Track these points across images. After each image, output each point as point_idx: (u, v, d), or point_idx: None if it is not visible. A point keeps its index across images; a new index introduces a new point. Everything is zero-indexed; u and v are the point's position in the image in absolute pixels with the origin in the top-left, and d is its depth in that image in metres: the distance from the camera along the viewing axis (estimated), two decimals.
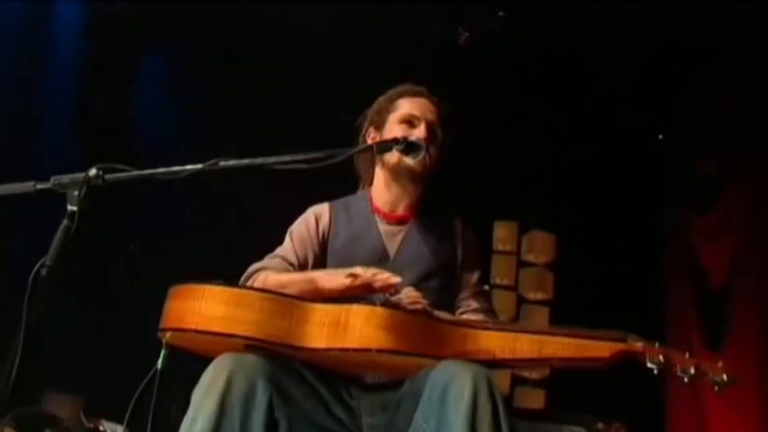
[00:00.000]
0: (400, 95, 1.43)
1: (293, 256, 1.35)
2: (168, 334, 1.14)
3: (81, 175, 1.00)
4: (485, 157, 3.08)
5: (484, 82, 3.06)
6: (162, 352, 1.14)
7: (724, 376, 1.13)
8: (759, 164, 3.13)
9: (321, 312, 1.12)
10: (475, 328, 1.19)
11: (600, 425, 2.20)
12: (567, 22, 2.87)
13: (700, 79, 3.06)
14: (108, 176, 1.02)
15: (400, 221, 1.39)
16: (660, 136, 3.39)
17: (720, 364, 1.15)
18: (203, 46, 3.06)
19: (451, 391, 1.03)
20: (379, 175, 1.41)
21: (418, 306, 1.19)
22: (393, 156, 1.34)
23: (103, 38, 2.97)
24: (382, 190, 1.40)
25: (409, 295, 1.22)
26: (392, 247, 1.35)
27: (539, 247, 3.39)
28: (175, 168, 1.07)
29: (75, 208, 0.97)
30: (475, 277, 1.39)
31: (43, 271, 0.94)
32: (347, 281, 1.17)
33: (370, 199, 1.41)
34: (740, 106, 3.09)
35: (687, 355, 1.16)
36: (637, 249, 3.14)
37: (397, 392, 1.16)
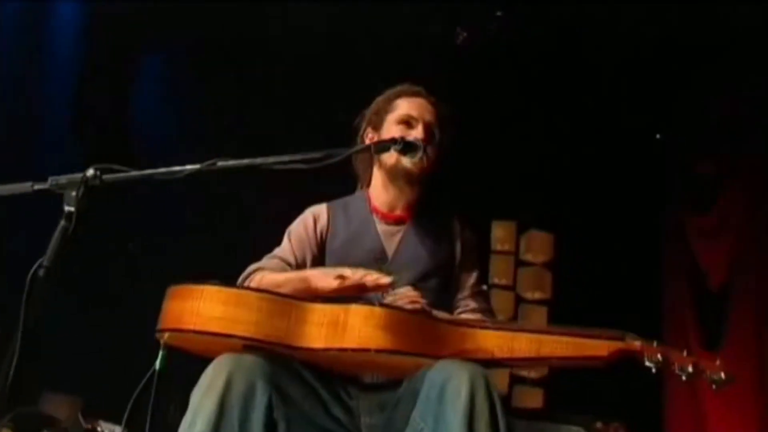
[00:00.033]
0: (398, 95, 1.42)
1: (291, 257, 1.36)
2: (166, 335, 1.14)
3: (78, 176, 1.00)
4: (483, 157, 3.08)
5: (483, 82, 3.06)
6: (160, 353, 1.14)
7: (722, 375, 1.13)
8: (758, 164, 3.13)
9: (319, 312, 1.12)
10: (474, 327, 1.19)
11: (598, 424, 2.21)
12: (565, 22, 2.87)
13: (699, 79, 3.06)
14: (106, 177, 1.02)
15: (398, 221, 1.39)
16: (658, 136, 3.40)
17: (718, 362, 1.16)
18: (202, 46, 3.06)
19: (448, 390, 1.03)
20: (377, 176, 1.41)
21: (417, 306, 1.19)
22: (391, 157, 1.34)
23: (102, 38, 2.97)
24: (380, 191, 1.40)
25: (407, 294, 1.22)
26: (390, 248, 1.35)
27: (537, 246, 3.40)
28: (174, 168, 1.07)
29: (72, 209, 0.97)
30: (473, 277, 1.39)
31: (41, 272, 0.94)
32: (335, 283, 1.16)
33: (369, 200, 1.42)
34: (739, 106, 3.10)
35: (685, 353, 1.17)
36: (636, 249, 3.15)
37: (396, 392, 1.16)
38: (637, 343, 1.16)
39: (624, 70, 3.02)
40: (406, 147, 1.27)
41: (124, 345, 2.19)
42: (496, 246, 3.40)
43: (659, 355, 1.14)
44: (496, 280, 3.35)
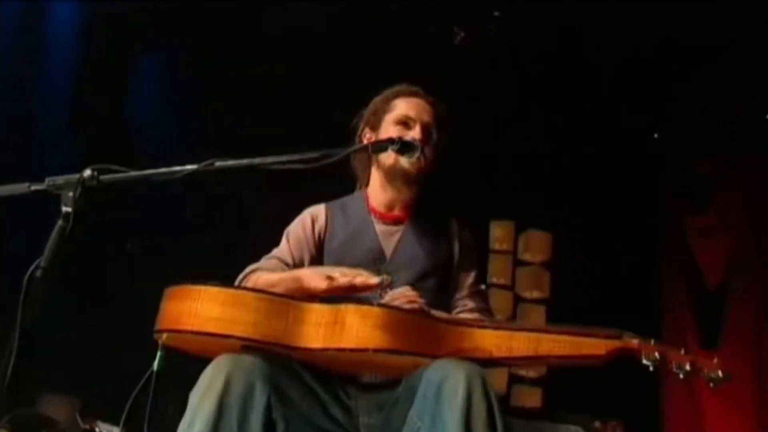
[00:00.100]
0: (396, 95, 1.42)
1: (289, 257, 1.36)
2: (164, 336, 1.14)
3: (76, 176, 1.00)
4: (482, 156, 3.09)
5: (481, 82, 3.07)
6: (158, 354, 1.14)
7: (719, 373, 1.14)
8: (756, 164, 3.15)
9: (317, 312, 1.12)
10: (472, 326, 1.19)
11: (597, 423, 2.21)
12: (562, 21, 2.88)
13: (697, 78, 3.07)
14: (103, 177, 1.01)
15: (396, 221, 1.39)
16: (656, 135, 3.40)
17: (715, 360, 1.16)
18: (201, 46, 3.05)
19: (445, 389, 1.03)
20: (375, 176, 1.41)
21: (415, 305, 1.19)
22: (389, 157, 1.34)
23: (100, 38, 2.96)
24: (378, 191, 1.40)
25: (405, 294, 1.22)
26: (389, 248, 1.35)
27: (536, 246, 3.41)
28: (171, 169, 1.07)
29: (69, 209, 0.97)
30: (471, 276, 1.39)
31: (38, 273, 0.94)
32: (324, 284, 1.16)
33: (367, 200, 1.42)
34: (737, 105, 3.10)
35: (682, 351, 1.17)
36: (634, 248, 3.15)
37: (394, 392, 1.16)
38: (634, 342, 1.16)
39: (622, 69, 3.02)
40: (403, 147, 1.27)
41: (123, 346, 2.19)
42: (495, 245, 3.40)
43: (657, 354, 1.14)
44: (494, 280, 3.35)
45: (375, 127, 1.41)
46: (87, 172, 1.00)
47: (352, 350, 1.09)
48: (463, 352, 1.12)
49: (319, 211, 1.41)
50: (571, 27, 2.89)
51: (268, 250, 1.39)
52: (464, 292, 1.38)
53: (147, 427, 1.13)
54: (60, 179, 1.01)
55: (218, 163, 1.08)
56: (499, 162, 3.21)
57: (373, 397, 1.19)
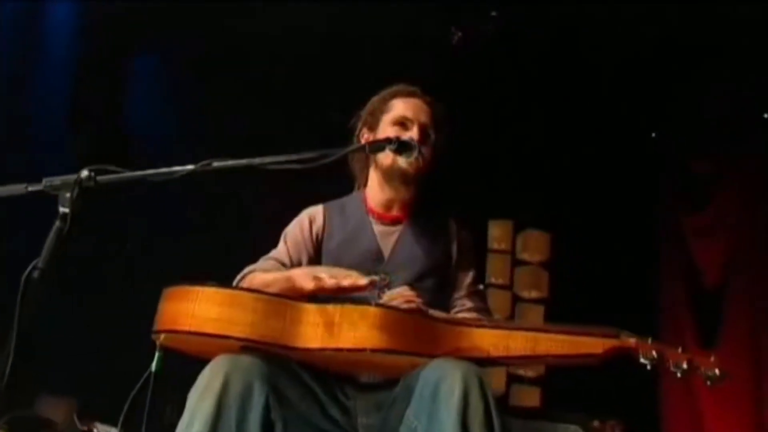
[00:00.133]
0: (394, 96, 1.42)
1: (286, 258, 1.36)
2: (162, 336, 1.14)
3: (73, 177, 1.00)
4: (480, 156, 3.09)
5: (478, 82, 3.07)
6: (156, 354, 1.14)
7: (716, 371, 1.14)
8: (754, 164, 3.16)
9: (315, 312, 1.12)
10: (469, 326, 1.19)
11: (595, 423, 2.22)
12: (560, 21, 2.88)
13: (695, 78, 3.08)
14: (100, 178, 1.01)
15: (394, 222, 1.39)
16: (653, 134, 3.41)
17: (712, 358, 1.16)
18: (198, 46, 3.05)
19: (442, 388, 1.03)
20: (373, 177, 1.41)
21: (412, 305, 1.20)
22: (386, 157, 1.34)
23: (97, 38, 2.96)
24: (376, 191, 1.40)
25: (403, 294, 1.22)
26: (387, 248, 1.35)
27: (534, 245, 3.41)
28: (168, 169, 1.07)
29: (67, 210, 0.97)
30: (469, 276, 1.39)
31: (35, 274, 0.94)
32: (311, 285, 1.16)
33: (365, 200, 1.42)
34: (736, 105, 3.11)
35: (679, 350, 1.17)
36: (632, 247, 3.16)
37: (392, 392, 1.16)
38: (631, 341, 1.16)
39: (620, 69, 3.03)
40: (401, 146, 1.27)
41: (121, 346, 2.18)
42: (493, 245, 3.40)
43: (654, 352, 1.14)
44: (493, 280, 3.36)
45: (373, 127, 1.41)
46: (84, 173, 1.00)
47: (349, 350, 1.09)
48: (461, 351, 1.13)
49: (316, 211, 1.41)
50: (568, 26, 2.89)
51: (266, 251, 1.39)
52: (462, 291, 1.38)
53: (145, 427, 1.13)
54: (57, 180, 1.00)
55: (216, 164, 1.08)
56: (497, 162, 3.22)
57: (371, 397, 1.19)
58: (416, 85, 1.45)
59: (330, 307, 1.12)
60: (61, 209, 0.98)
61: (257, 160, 1.10)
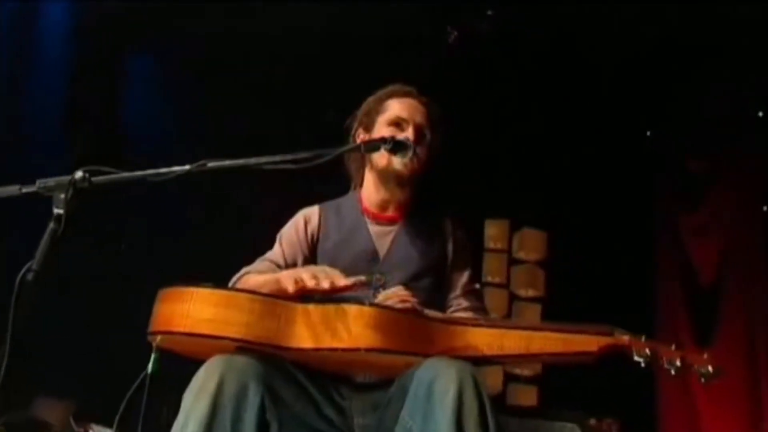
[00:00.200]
0: (389, 96, 1.42)
1: (281, 259, 1.36)
2: (158, 338, 1.14)
3: (67, 178, 1.00)
4: (476, 156, 3.09)
5: (475, 81, 3.07)
6: (152, 356, 1.14)
7: (710, 368, 1.15)
8: (749, 162, 3.17)
9: (309, 312, 1.12)
10: (464, 325, 1.19)
11: (592, 421, 2.22)
12: (556, 20, 2.88)
13: (691, 78, 3.09)
14: (95, 179, 1.01)
15: (390, 222, 1.39)
16: (648, 133, 3.42)
17: (705, 356, 1.17)
18: (194, 46, 3.04)
19: (436, 388, 1.03)
20: (369, 177, 1.42)
21: (407, 305, 1.20)
22: (382, 158, 1.34)
23: (92, 38, 2.95)
24: (371, 192, 1.41)
25: (397, 294, 1.22)
26: (382, 248, 1.35)
27: (530, 244, 3.41)
28: (163, 170, 1.07)
29: (61, 212, 0.97)
30: (465, 276, 1.40)
31: (29, 276, 0.94)
32: (291, 288, 1.16)
33: (360, 201, 1.42)
34: (731, 104, 3.12)
35: (673, 347, 1.18)
36: (628, 246, 3.17)
37: (387, 392, 1.16)
38: (625, 338, 1.17)
39: (616, 69, 3.03)
40: (396, 146, 1.27)
41: (117, 348, 2.18)
42: (490, 244, 3.41)
43: (647, 350, 1.15)
44: (489, 279, 3.36)
45: (368, 127, 1.41)
46: (78, 174, 1.00)
47: (344, 350, 1.09)
48: (455, 350, 1.13)
49: (312, 212, 1.41)
50: (564, 25, 2.90)
51: (264, 252, 1.40)
52: (458, 291, 1.38)
53: (141, 429, 1.13)
54: (51, 181, 1.00)
55: (211, 164, 1.08)
56: (493, 161, 3.22)
57: (366, 398, 1.19)
58: (412, 85, 1.45)
59: (324, 307, 1.12)
60: (56, 210, 0.98)
61: (252, 161, 1.10)
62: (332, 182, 1.47)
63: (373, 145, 1.29)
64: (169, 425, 1.10)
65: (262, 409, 1.08)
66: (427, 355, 1.10)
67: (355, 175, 1.45)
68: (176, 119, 3.10)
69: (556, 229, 3.37)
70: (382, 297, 1.22)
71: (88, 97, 2.93)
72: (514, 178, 3.24)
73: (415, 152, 1.30)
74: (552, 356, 1.18)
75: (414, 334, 1.13)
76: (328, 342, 1.09)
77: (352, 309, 1.11)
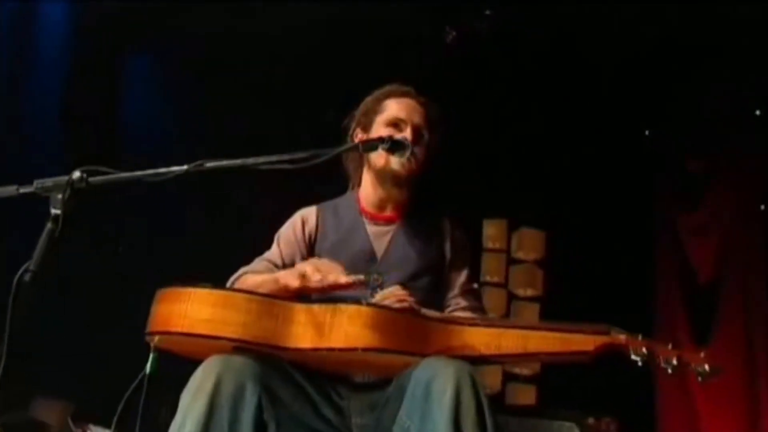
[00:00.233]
0: (387, 96, 1.42)
1: (279, 259, 1.36)
2: (156, 338, 1.14)
3: (64, 178, 1.00)
4: (475, 155, 3.09)
5: (473, 81, 3.07)
6: (150, 356, 1.14)
7: (706, 367, 1.15)
8: (747, 162, 3.17)
9: (307, 312, 1.12)
10: (461, 324, 1.20)
11: (590, 420, 2.23)
12: (554, 20, 2.88)
13: (689, 77, 3.09)
14: (92, 179, 1.01)
15: (387, 222, 1.39)
16: (647, 133, 3.42)
17: (702, 354, 1.17)
18: (193, 46, 3.04)
19: (434, 388, 1.04)
20: (367, 177, 1.42)
21: (404, 304, 1.20)
22: (380, 158, 1.34)
23: (91, 38, 2.95)
24: (369, 192, 1.41)
25: (395, 293, 1.22)
26: (380, 248, 1.36)
27: (529, 244, 3.41)
28: (161, 170, 1.07)
29: (58, 212, 0.97)
30: (463, 275, 1.40)
31: (27, 276, 0.94)
32: (296, 283, 1.17)
33: (358, 201, 1.42)
34: (729, 104, 3.13)
35: (670, 346, 1.18)
36: (627, 246, 3.17)
37: (385, 391, 1.16)
38: (622, 337, 1.17)
39: (614, 68, 3.04)
40: (393, 146, 1.27)
41: (116, 349, 2.18)
42: (488, 244, 3.41)
43: (644, 349, 1.15)
44: (488, 278, 3.36)
45: (366, 127, 1.41)
46: (76, 174, 1.00)
47: (341, 350, 1.09)
48: (453, 350, 1.13)
49: (310, 212, 1.41)
50: (563, 25, 2.90)
51: (262, 252, 1.40)
52: (456, 291, 1.38)
53: (139, 429, 1.13)
54: (49, 181, 1.00)
55: (208, 164, 1.08)
56: (492, 161, 3.22)
57: (365, 397, 1.19)
58: (411, 85, 1.45)
59: (322, 307, 1.12)
60: (53, 211, 0.98)
61: (250, 161, 1.10)
62: (330, 182, 1.47)
63: (371, 145, 1.29)
64: (168, 425, 1.10)
65: (259, 409, 1.08)
66: (424, 355, 1.10)
67: (353, 175, 1.45)
68: (176, 119, 3.10)
69: (554, 229, 3.37)
70: (379, 297, 1.22)
71: (86, 97, 2.93)
72: (513, 177, 3.24)
73: (412, 152, 1.30)
74: (549, 355, 1.18)
75: (411, 334, 1.13)
76: (325, 342, 1.09)
77: (349, 309, 1.11)
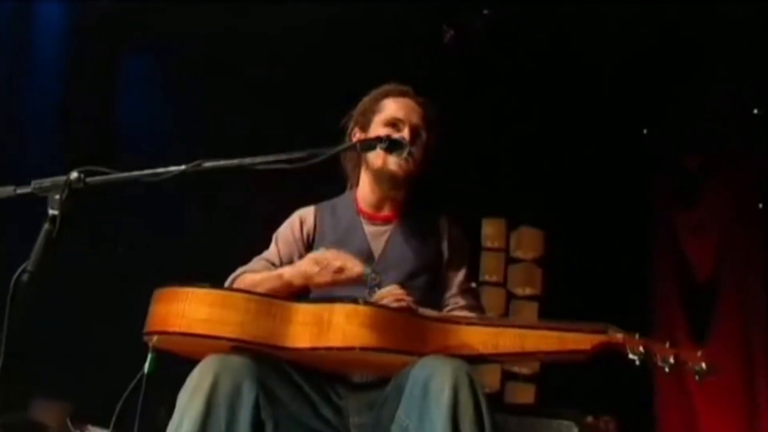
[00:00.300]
0: (385, 95, 1.42)
1: (277, 259, 1.36)
2: (155, 338, 1.14)
3: (62, 179, 0.99)
4: (473, 155, 3.09)
5: (471, 80, 3.07)
6: (149, 356, 1.14)
7: (703, 365, 1.15)
8: (744, 159, 3.18)
9: (304, 311, 1.12)
10: (459, 323, 1.20)
11: (589, 419, 2.23)
12: (551, 19, 2.89)
13: (687, 76, 3.09)
14: (90, 179, 1.01)
15: (385, 222, 1.40)
16: (644, 131, 3.43)
17: (699, 353, 1.17)
18: (191, 46, 3.04)
19: (432, 386, 1.04)
20: (364, 177, 1.42)
21: (402, 303, 1.20)
22: (377, 158, 1.35)
23: (88, 38, 2.95)
24: (366, 192, 1.41)
25: (392, 292, 1.22)
26: (377, 248, 1.36)
27: (528, 243, 3.42)
28: (158, 170, 1.07)
29: (56, 212, 0.97)
30: (461, 275, 1.40)
31: (24, 277, 0.94)
32: (315, 269, 1.17)
33: (356, 200, 1.42)
34: (726, 102, 3.13)
35: (667, 345, 1.18)
36: (625, 244, 3.17)
37: (384, 391, 1.16)
38: (619, 336, 1.17)
39: (612, 67, 3.04)
40: (391, 145, 1.27)
41: (115, 349, 2.18)
42: (487, 243, 3.41)
43: (641, 348, 1.15)
44: (486, 277, 3.36)
45: (364, 127, 1.41)
46: (73, 175, 1.00)
47: (339, 349, 1.09)
48: (450, 349, 1.13)
49: (308, 213, 1.41)
50: (560, 24, 2.90)
51: (260, 252, 1.40)
52: (454, 290, 1.39)
53: (138, 429, 1.13)
54: (46, 182, 1.00)
55: (206, 164, 1.08)
56: (490, 160, 3.22)
57: (363, 397, 1.19)
58: (409, 84, 1.45)
59: (319, 307, 1.13)
60: (51, 211, 0.98)
61: (248, 160, 1.10)
62: (329, 182, 1.47)
63: (369, 144, 1.29)
64: (166, 425, 1.10)
65: (256, 409, 1.08)
66: (422, 354, 1.11)
67: (350, 175, 1.46)
68: (174, 119, 3.09)
69: (553, 228, 3.37)
70: (376, 296, 1.23)
71: (84, 97, 2.93)
72: (512, 177, 3.24)
73: (410, 152, 1.30)
74: (546, 354, 1.18)
75: (409, 333, 1.13)
76: (323, 341, 1.09)
77: (347, 308, 1.11)
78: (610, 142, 3.23)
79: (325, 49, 2.93)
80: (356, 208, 1.41)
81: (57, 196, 0.98)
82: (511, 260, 3.45)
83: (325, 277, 1.19)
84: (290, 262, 1.35)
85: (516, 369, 3.21)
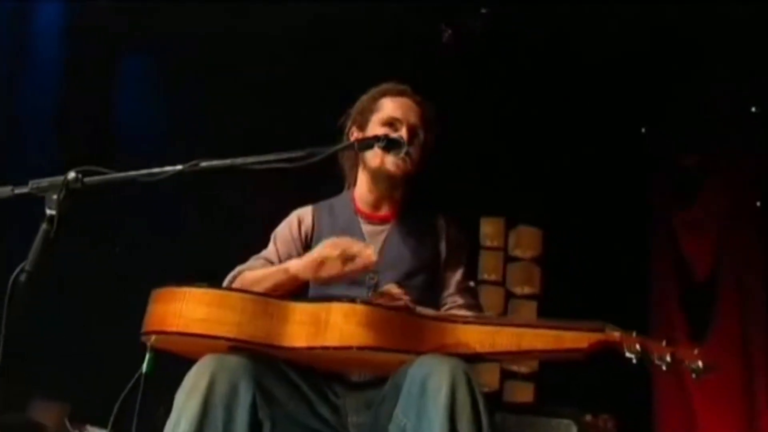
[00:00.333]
0: (383, 94, 1.42)
1: (275, 258, 1.37)
2: (153, 338, 1.14)
3: (60, 179, 0.99)
4: (471, 154, 3.10)
5: (469, 79, 3.07)
6: (147, 356, 1.14)
7: (700, 364, 1.15)
8: (742, 158, 3.18)
9: (301, 311, 1.12)
10: (456, 322, 1.20)
11: (588, 417, 2.23)
12: (549, 17, 2.89)
13: (685, 75, 3.09)
14: (87, 179, 1.01)
15: (382, 221, 1.40)
16: (642, 130, 3.43)
17: (696, 351, 1.17)
18: (189, 46, 3.04)
19: (429, 385, 1.04)
20: (361, 177, 1.42)
21: (400, 302, 1.20)
22: (375, 158, 1.35)
23: (86, 38, 2.94)
24: (364, 191, 1.41)
25: (390, 291, 1.23)
26: (375, 247, 1.35)
27: (526, 242, 3.42)
28: (156, 170, 1.07)
29: (54, 212, 0.97)
30: (459, 274, 1.40)
31: (22, 277, 0.94)
32: (336, 252, 1.17)
33: (353, 200, 1.42)
34: (724, 100, 3.13)
35: (664, 343, 1.18)
36: (623, 243, 3.18)
37: (382, 389, 1.16)
38: (616, 334, 1.17)
39: (610, 65, 3.04)
40: (389, 144, 1.27)
41: (113, 349, 2.18)
42: (485, 242, 3.41)
43: (638, 346, 1.15)
44: (485, 276, 3.37)
45: (362, 126, 1.41)
46: (71, 174, 1.00)
47: (336, 348, 1.09)
48: (447, 348, 1.13)
49: (305, 212, 1.41)
50: (558, 24, 2.90)
51: (258, 251, 1.40)
52: (452, 289, 1.39)
53: (136, 429, 1.13)
54: (44, 182, 1.00)
55: (203, 164, 1.08)
56: (488, 159, 3.22)
57: (361, 396, 1.19)
58: (406, 83, 1.45)
59: (316, 306, 1.13)
60: (48, 211, 0.98)
61: (246, 160, 1.10)
62: (327, 182, 1.47)
63: (367, 143, 1.29)
64: (164, 425, 1.10)
65: (254, 408, 1.08)
66: (419, 353, 1.11)
67: (348, 174, 1.46)
68: (172, 119, 3.09)
69: (551, 227, 3.37)
70: (374, 295, 1.23)
71: (82, 97, 2.92)
72: (510, 176, 3.24)
73: (407, 152, 1.30)
74: (543, 353, 1.19)
75: (406, 332, 1.13)
76: (320, 340, 1.09)
77: (344, 307, 1.11)
78: (609, 142, 3.23)
79: (324, 48, 2.93)
80: (354, 208, 1.41)
81: (54, 196, 0.98)
82: (509, 259, 3.45)
83: (336, 267, 1.18)
84: (288, 260, 1.34)
85: (515, 368, 3.22)
